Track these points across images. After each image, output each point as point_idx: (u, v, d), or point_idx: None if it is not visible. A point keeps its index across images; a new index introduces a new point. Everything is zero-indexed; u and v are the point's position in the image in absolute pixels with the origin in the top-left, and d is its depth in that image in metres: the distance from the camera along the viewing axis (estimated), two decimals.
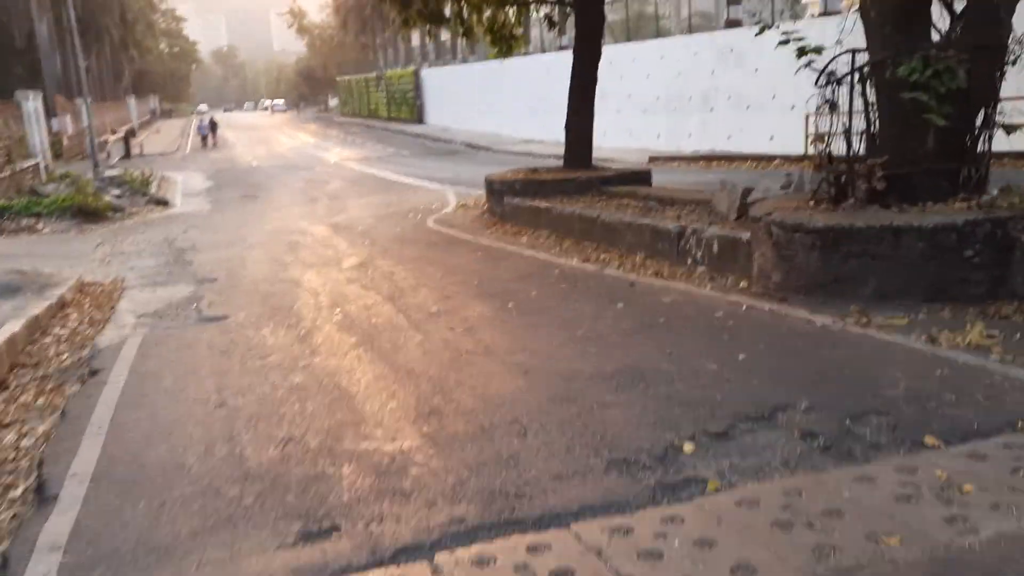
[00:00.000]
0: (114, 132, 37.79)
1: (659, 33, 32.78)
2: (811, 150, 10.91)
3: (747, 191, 8.96)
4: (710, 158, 22.29)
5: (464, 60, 48.41)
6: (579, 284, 8.56)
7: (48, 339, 7.71)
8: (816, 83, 7.37)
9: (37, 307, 8.30)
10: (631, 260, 9.50)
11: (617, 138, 27.88)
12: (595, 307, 7.45)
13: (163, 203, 20.00)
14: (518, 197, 13.19)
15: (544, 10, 16.14)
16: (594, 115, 14.37)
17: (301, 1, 76.10)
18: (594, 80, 14.25)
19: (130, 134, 37.91)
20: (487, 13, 15.56)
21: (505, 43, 16.16)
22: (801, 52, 7.34)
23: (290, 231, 14.47)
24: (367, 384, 5.72)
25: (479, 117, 41.00)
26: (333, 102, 76.41)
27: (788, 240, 6.87)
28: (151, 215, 18.57)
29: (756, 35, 8.85)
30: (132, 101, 59.98)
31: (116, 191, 20.38)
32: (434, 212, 15.80)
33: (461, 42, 49.47)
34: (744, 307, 6.95)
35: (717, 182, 16.30)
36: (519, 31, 16.48)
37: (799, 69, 7.35)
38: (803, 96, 20.17)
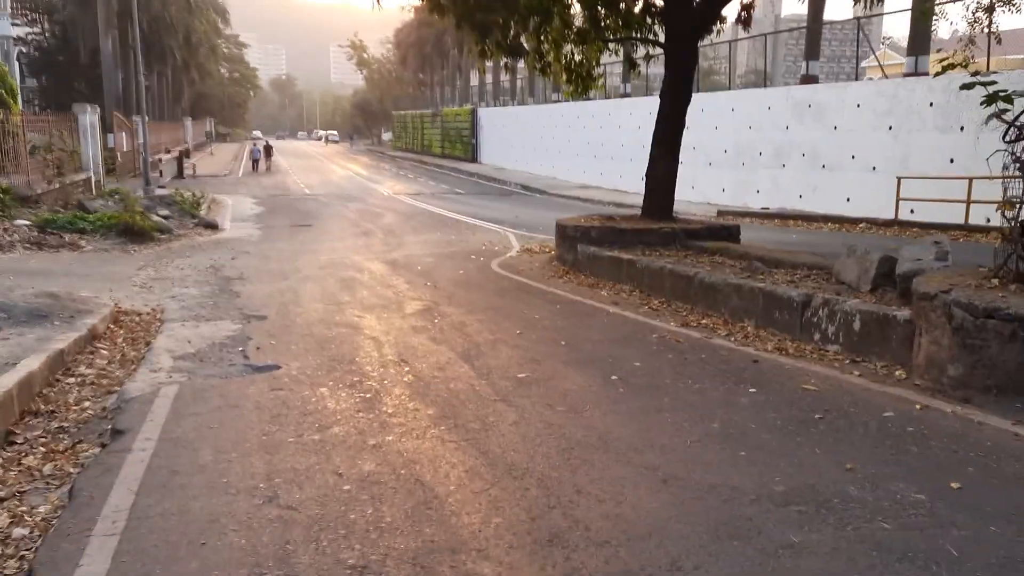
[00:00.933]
0: (168, 151, 37.30)
1: (711, 88, 31.59)
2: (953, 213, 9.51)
3: (888, 260, 7.57)
4: (784, 216, 20.86)
5: (521, 102, 47.64)
6: (688, 355, 7.19)
7: (71, 380, 6.50)
8: (1004, 138, 6.01)
9: (64, 339, 7.11)
10: (740, 328, 8.14)
11: (679, 191, 26.51)
12: (722, 390, 6.07)
13: (212, 226, 19.03)
14: (594, 246, 11.92)
15: (623, 50, 14.99)
16: (678, 163, 13.13)
17: (362, 35, 76.33)
18: (682, 126, 13.06)
19: (184, 154, 37.38)
20: (566, 49, 14.47)
21: (582, 83, 15.01)
22: (991, 99, 5.99)
23: (345, 265, 13.31)
24: (458, 482, 4.39)
25: (534, 159, 40.06)
26: (386, 136, 76.21)
27: (977, 327, 5.46)
28: (199, 238, 17.56)
29: (935, 75, 7.55)
30: (189, 123, 60.02)
31: (164, 211, 19.47)
32: (497, 255, 14.59)
33: (519, 83, 48.76)
34: (917, 407, 5.53)
35: (807, 243, 14.90)
36: (597, 71, 15.32)
37: (989, 119, 5.99)
38: (887, 156, 18.66)
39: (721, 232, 12.04)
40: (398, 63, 69.30)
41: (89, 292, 10.21)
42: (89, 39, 40.12)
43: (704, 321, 8.56)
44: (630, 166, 30.25)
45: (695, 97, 27.92)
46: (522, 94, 48.09)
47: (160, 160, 34.42)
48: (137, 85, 27.72)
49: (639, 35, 13.51)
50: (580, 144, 35.01)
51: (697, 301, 9.16)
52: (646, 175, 13.18)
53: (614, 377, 6.43)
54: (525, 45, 14.46)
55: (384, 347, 7.55)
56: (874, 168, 19.41)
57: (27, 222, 16.55)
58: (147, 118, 39.30)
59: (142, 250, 15.72)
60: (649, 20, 13.22)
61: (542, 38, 14.10)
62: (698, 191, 25.62)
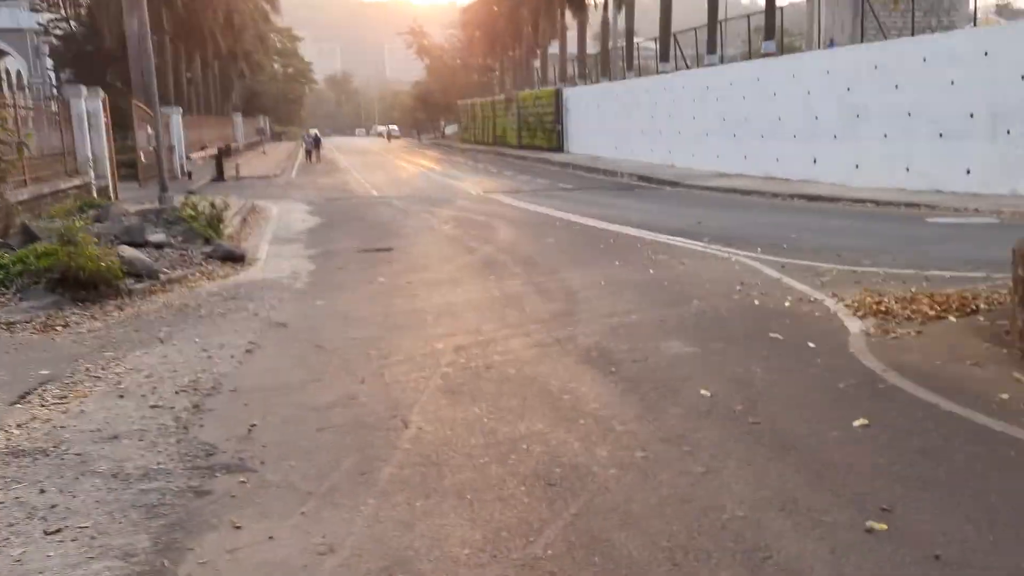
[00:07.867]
0: (204, 148, 29.42)
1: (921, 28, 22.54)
2: None
3: None
4: None
5: (613, 77, 38.92)
6: None
7: None
8: None
9: None
10: None
11: (883, 172, 17.80)
12: None
13: (235, 258, 11.01)
14: None
15: None
16: None
17: (422, 21, 68.20)
18: None
19: (223, 152, 29.39)
20: None
21: None
22: None
23: (512, 382, 5.13)
24: None
25: (640, 144, 31.34)
26: (450, 128, 67.86)
27: None
28: (205, 284, 9.61)
29: None
30: (239, 119, 52.50)
31: (159, 235, 11.45)
32: (820, 326, 6.34)
33: (602, 64, 40.08)
34: None
35: None
36: None
37: None
38: None
39: None
40: (464, 47, 60.94)
41: None
42: (116, 23, 32.45)
43: None
44: (792, 145, 21.43)
45: (903, 44, 18.87)
46: (620, 69, 39.24)
47: (191, 158, 26.55)
48: (144, 51, 19.78)
49: None
50: (710, 121, 26.23)
51: None
52: None
53: None
54: None
55: None
56: None
57: None
58: (181, 111, 31.86)
59: (85, 321, 7.83)
60: None
61: None
62: (917, 172, 16.92)
